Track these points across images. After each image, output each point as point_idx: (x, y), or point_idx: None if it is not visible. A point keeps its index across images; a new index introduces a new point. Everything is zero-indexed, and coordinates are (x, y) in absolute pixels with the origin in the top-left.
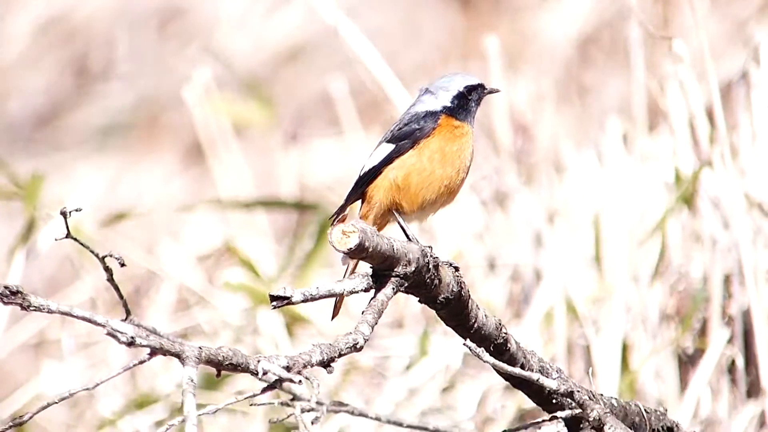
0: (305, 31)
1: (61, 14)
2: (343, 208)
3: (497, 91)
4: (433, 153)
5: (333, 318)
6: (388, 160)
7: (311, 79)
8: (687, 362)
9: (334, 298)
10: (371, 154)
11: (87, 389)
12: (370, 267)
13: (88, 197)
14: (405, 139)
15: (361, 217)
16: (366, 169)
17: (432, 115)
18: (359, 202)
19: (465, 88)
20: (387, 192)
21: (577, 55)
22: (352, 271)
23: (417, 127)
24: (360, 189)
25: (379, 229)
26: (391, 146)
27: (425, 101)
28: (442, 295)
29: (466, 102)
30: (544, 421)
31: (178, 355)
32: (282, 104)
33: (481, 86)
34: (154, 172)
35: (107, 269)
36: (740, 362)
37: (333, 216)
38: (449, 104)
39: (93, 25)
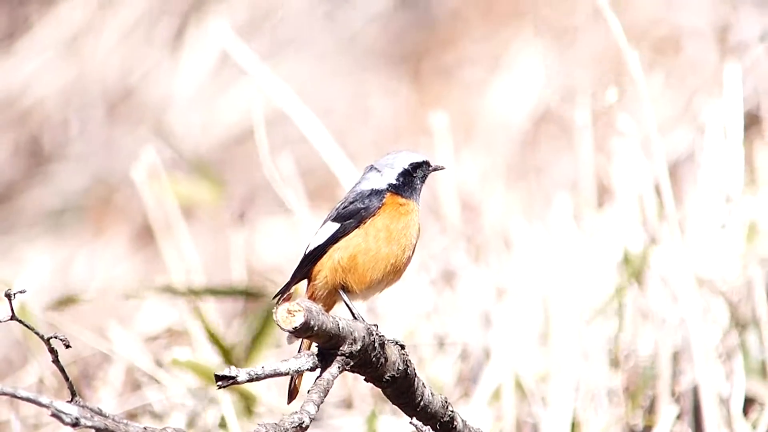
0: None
1: (13, 96)
2: (288, 287)
3: (443, 168)
4: (378, 232)
5: (289, 402)
6: (333, 240)
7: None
8: None
9: (289, 382)
10: (317, 233)
11: None
12: (316, 346)
13: (38, 279)
14: (350, 218)
15: (307, 297)
16: (311, 248)
17: (377, 193)
18: (305, 281)
19: (410, 165)
20: (332, 272)
21: (528, 132)
22: (307, 348)
23: (362, 206)
24: (305, 268)
25: (326, 309)
26: (337, 225)
27: (370, 179)
28: (389, 374)
29: (411, 179)
30: None
31: None
32: (232, 184)
33: (426, 163)
34: (105, 254)
35: (52, 351)
36: None
37: (277, 294)
38: (394, 182)
39: (45, 106)
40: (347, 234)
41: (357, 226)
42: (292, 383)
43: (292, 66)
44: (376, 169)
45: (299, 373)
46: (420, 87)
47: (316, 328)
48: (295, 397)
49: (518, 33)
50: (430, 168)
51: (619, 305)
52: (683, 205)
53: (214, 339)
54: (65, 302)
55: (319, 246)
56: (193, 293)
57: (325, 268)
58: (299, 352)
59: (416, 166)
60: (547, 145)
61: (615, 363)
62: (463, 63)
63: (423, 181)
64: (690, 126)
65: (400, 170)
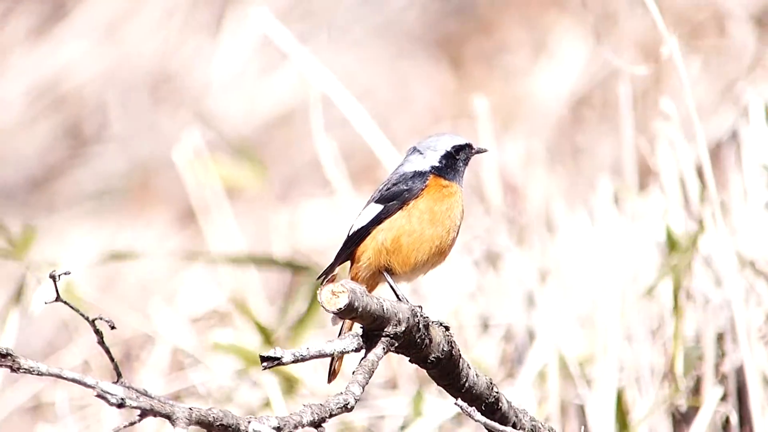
0: (297, 95)
1: (53, 80)
2: (331, 268)
3: (485, 150)
4: (422, 213)
5: (330, 381)
6: (376, 221)
7: (303, 141)
8: (681, 420)
9: (330, 362)
10: (360, 214)
11: None
12: (361, 327)
13: (81, 260)
14: (393, 199)
15: (351, 278)
16: (354, 229)
17: (420, 175)
18: (349, 262)
19: (453, 147)
20: (376, 253)
21: (569, 115)
22: (348, 330)
23: (405, 187)
24: (349, 249)
25: (369, 290)
26: (380, 207)
27: (413, 161)
28: (433, 355)
29: (454, 162)
30: None
31: (168, 416)
32: (273, 167)
33: (468, 146)
34: (147, 235)
35: (97, 332)
36: (734, 419)
37: (321, 275)
38: (437, 164)
39: (85, 90)
40: (391, 215)
41: (400, 208)
42: (333, 363)
43: (331, 51)
44: (418, 151)
45: (344, 354)
46: (460, 72)
47: (360, 310)
48: (335, 377)
49: (559, 18)
50: (473, 151)
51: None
52: (726, 186)
53: (255, 322)
54: (113, 258)
55: (362, 227)
56: (239, 261)
57: (369, 249)
58: (340, 333)
59: (459, 149)
60: (588, 128)
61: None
62: (504, 48)
63: (466, 164)
64: (732, 108)
65: (443, 152)
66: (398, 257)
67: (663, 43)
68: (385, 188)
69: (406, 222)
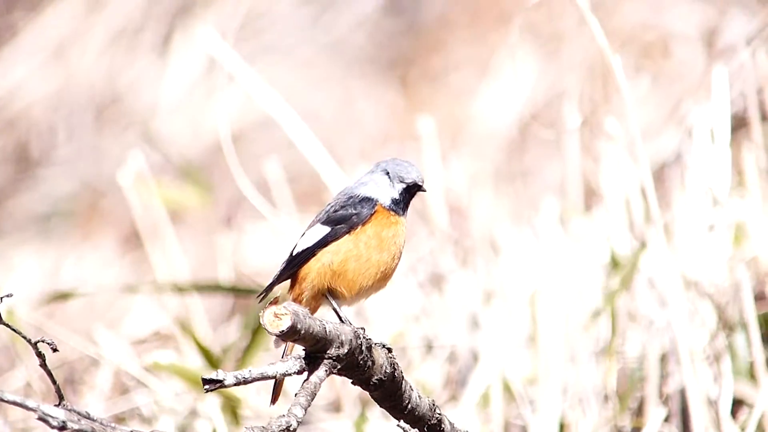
0: (244, 117)
1: (0, 102)
2: (271, 287)
3: (425, 190)
4: (369, 239)
5: (272, 403)
6: (323, 243)
7: (249, 164)
8: None
9: (273, 384)
10: (304, 234)
11: None
12: (303, 349)
13: (26, 283)
14: (341, 222)
15: (293, 299)
16: (299, 249)
17: (368, 200)
18: (289, 283)
19: (413, 183)
20: (321, 275)
21: (515, 137)
22: (290, 352)
23: (354, 211)
24: (292, 270)
25: (311, 312)
26: (327, 229)
27: (378, 183)
28: (376, 377)
29: (408, 196)
30: None
31: None
32: (219, 189)
33: (419, 186)
34: (93, 258)
35: (39, 354)
36: None
37: (261, 294)
38: (398, 196)
39: (33, 112)
40: (338, 238)
41: (348, 231)
42: (276, 385)
43: (279, 71)
44: (388, 175)
45: (286, 377)
46: (407, 92)
47: (303, 332)
48: (277, 399)
49: (505, 38)
50: (421, 189)
51: (609, 308)
52: (671, 207)
53: (197, 344)
54: (57, 298)
55: (307, 248)
56: (182, 290)
57: (313, 271)
58: (283, 355)
59: (416, 187)
60: (534, 149)
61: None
62: (451, 68)
63: (411, 199)
64: (678, 129)
65: (405, 186)
66: (344, 281)
67: (609, 63)
68: (332, 210)
69: (354, 246)
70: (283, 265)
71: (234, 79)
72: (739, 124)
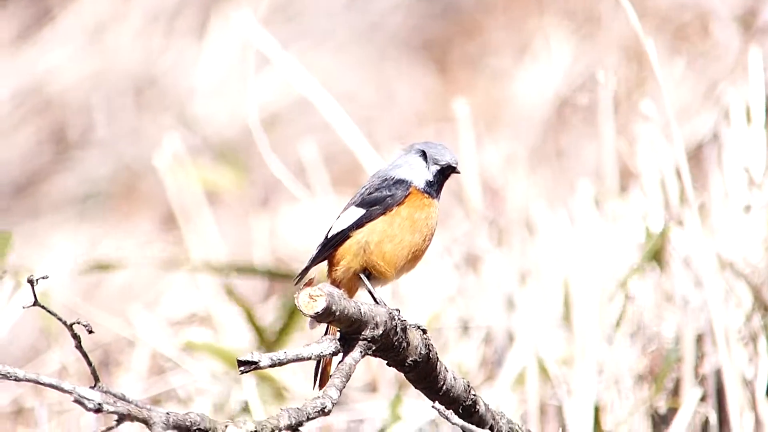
0: (281, 99)
1: (38, 84)
2: (307, 270)
3: (459, 172)
4: (403, 220)
5: (320, 389)
6: (358, 224)
7: (285, 146)
8: (660, 422)
9: (316, 368)
10: (339, 217)
11: None
12: (338, 330)
13: (63, 265)
14: (376, 204)
15: (331, 282)
16: (334, 231)
17: (402, 182)
18: (327, 265)
19: (447, 165)
20: (357, 256)
21: (553, 117)
22: (332, 334)
23: (389, 193)
24: (327, 252)
25: (348, 293)
26: (362, 210)
27: (412, 165)
28: (411, 358)
29: (442, 178)
30: None
31: (145, 421)
32: (256, 171)
33: (454, 168)
34: (130, 239)
35: (75, 336)
36: (713, 420)
37: (297, 277)
38: (432, 178)
39: (70, 94)
40: (372, 220)
41: (383, 213)
42: (319, 368)
43: (315, 55)
44: (423, 156)
45: (322, 358)
46: (444, 75)
47: (338, 313)
48: (325, 383)
49: (542, 21)
50: (455, 171)
51: (641, 288)
52: (707, 188)
53: (248, 316)
54: (95, 268)
55: (343, 230)
56: (222, 270)
57: (349, 253)
58: (325, 334)
59: (450, 169)
60: (570, 131)
61: (639, 346)
62: (488, 51)
63: (446, 180)
64: (714, 109)
65: (439, 168)
66: (379, 261)
67: (645, 44)
68: (367, 192)
69: (389, 227)
70: (319, 248)
71: (270, 62)
72: None
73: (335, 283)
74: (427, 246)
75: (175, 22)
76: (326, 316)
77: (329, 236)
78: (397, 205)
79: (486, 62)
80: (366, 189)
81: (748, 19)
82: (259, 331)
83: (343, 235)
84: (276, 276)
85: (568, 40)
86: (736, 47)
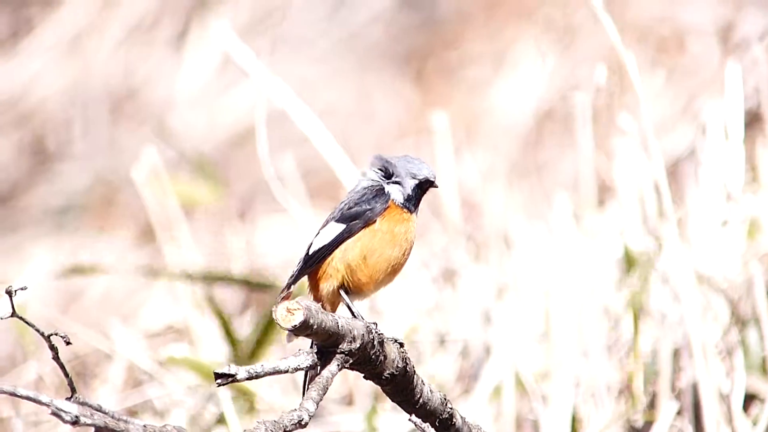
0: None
1: (16, 96)
2: (289, 286)
3: (437, 186)
4: (384, 234)
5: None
6: (339, 240)
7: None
8: None
9: (304, 382)
10: (319, 233)
11: None
12: (315, 344)
13: (42, 275)
14: (356, 218)
15: (314, 299)
16: (316, 248)
17: (381, 195)
18: (307, 280)
19: (425, 179)
20: (337, 271)
21: (531, 130)
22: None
23: (368, 207)
24: (309, 268)
25: (330, 308)
26: (342, 226)
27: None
28: (387, 371)
29: (420, 192)
30: None
31: None
32: (234, 184)
33: (431, 182)
34: (108, 252)
35: (52, 348)
36: None
37: (280, 294)
38: (411, 192)
39: (49, 105)
40: (353, 235)
41: (363, 227)
42: (306, 381)
43: (294, 66)
44: (394, 172)
45: (308, 372)
46: (423, 86)
47: (315, 327)
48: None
49: (521, 33)
50: (433, 185)
51: (618, 303)
52: (685, 202)
53: (225, 327)
54: (76, 271)
55: (323, 246)
56: (196, 279)
57: (330, 268)
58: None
59: (428, 183)
60: (548, 144)
61: (616, 360)
62: (467, 62)
63: (423, 194)
64: (692, 124)
65: (417, 182)
66: (360, 276)
67: (624, 58)
68: (346, 207)
69: (370, 241)
70: (300, 265)
71: (247, 74)
72: (753, 119)
73: (316, 298)
74: (406, 260)
75: (153, 32)
76: (304, 329)
77: (310, 253)
78: (379, 217)
79: (464, 73)
80: (345, 204)
81: (726, 34)
82: (234, 343)
83: (324, 252)
84: (253, 286)
85: (548, 52)
86: (715, 62)
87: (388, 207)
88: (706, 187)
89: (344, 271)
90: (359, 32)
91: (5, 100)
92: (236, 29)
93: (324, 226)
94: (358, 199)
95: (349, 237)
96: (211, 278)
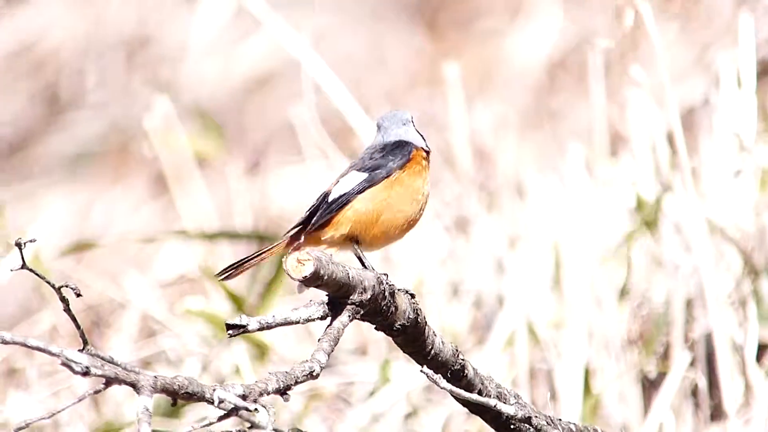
0: (272, 60)
1: (29, 44)
2: (304, 232)
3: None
4: (404, 189)
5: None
6: (358, 190)
7: (277, 107)
8: (650, 386)
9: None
10: (338, 181)
11: (42, 419)
12: (326, 294)
13: (55, 226)
14: (378, 169)
15: (322, 242)
16: (335, 195)
17: (406, 145)
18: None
19: (411, 117)
20: (351, 222)
21: (544, 80)
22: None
23: (391, 158)
24: (329, 215)
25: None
26: (363, 175)
27: (406, 131)
28: (399, 322)
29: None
30: None
31: (133, 385)
32: (247, 133)
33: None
34: (122, 201)
35: (63, 299)
36: (703, 385)
37: (292, 230)
38: (417, 133)
39: (61, 54)
40: (373, 185)
41: (386, 177)
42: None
43: (307, 15)
44: (396, 123)
45: (309, 322)
46: (436, 36)
47: (326, 278)
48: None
49: None
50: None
51: (631, 253)
52: (697, 153)
53: (224, 289)
54: (81, 247)
55: (343, 195)
56: (208, 237)
57: (345, 218)
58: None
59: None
60: (562, 94)
61: (629, 310)
62: (480, 12)
63: None
64: (705, 74)
65: (412, 123)
66: (374, 229)
67: (637, 8)
68: (368, 156)
69: (388, 195)
70: (320, 212)
71: (261, 23)
72: (765, 69)
73: (327, 244)
74: (421, 216)
75: None
76: (314, 280)
77: (330, 200)
78: (400, 170)
79: (477, 23)
80: (369, 153)
81: None
82: (236, 301)
83: (343, 201)
84: (262, 238)
85: (562, 1)
86: (728, 11)
87: (411, 158)
88: (719, 137)
89: (359, 223)
90: None
91: (18, 50)
92: None
93: (344, 175)
94: (381, 148)
95: (369, 188)
96: (220, 235)
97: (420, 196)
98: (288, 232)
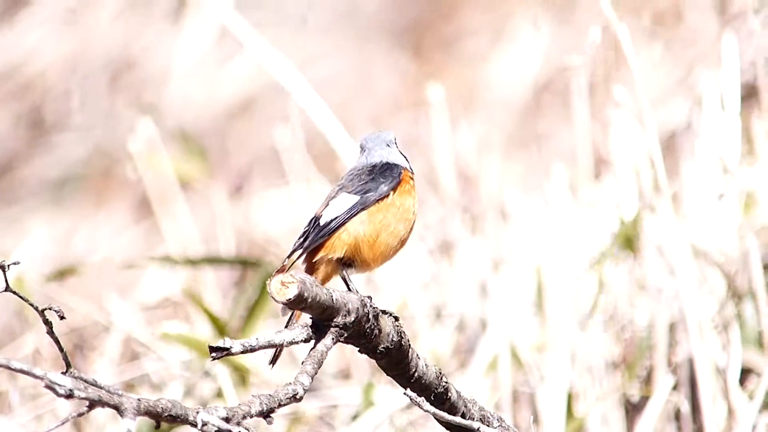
0: (256, 84)
1: (14, 67)
2: (300, 256)
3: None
4: (397, 209)
5: (272, 365)
6: (352, 213)
7: (261, 131)
8: (633, 410)
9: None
10: (328, 204)
11: None
12: (310, 317)
13: (39, 250)
14: (370, 191)
15: (306, 268)
16: (328, 218)
17: (395, 167)
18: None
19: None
20: (347, 245)
21: (528, 103)
22: (296, 320)
23: (382, 180)
24: (321, 239)
25: (324, 282)
26: (355, 198)
27: (382, 153)
28: (382, 345)
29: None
30: None
31: (116, 407)
32: (231, 156)
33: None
34: (106, 224)
35: (47, 322)
36: (686, 409)
37: (284, 265)
38: (402, 155)
39: (46, 77)
40: (366, 208)
41: (378, 200)
42: (277, 349)
43: (291, 39)
44: (381, 144)
45: (293, 345)
46: (421, 59)
47: (309, 300)
48: (276, 361)
49: (519, 5)
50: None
51: (614, 276)
52: (680, 175)
53: (207, 313)
54: (64, 273)
55: (336, 217)
56: (191, 263)
57: (339, 241)
58: (288, 323)
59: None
60: (545, 116)
61: (612, 334)
62: (464, 35)
63: None
64: (688, 96)
65: (395, 144)
66: (371, 250)
67: (620, 30)
68: (357, 179)
69: (383, 217)
70: (311, 236)
71: (245, 47)
72: (749, 92)
73: (313, 270)
74: (410, 235)
75: (151, 4)
76: (298, 302)
77: (321, 224)
78: (393, 191)
79: (462, 46)
80: (356, 175)
81: (723, 6)
82: (218, 326)
83: (337, 223)
84: (248, 265)
85: (545, 23)
86: (712, 33)
87: (401, 179)
88: (702, 159)
89: (353, 246)
90: (357, 5)
91: (3, 72)
92: (234, 1)
93: (333, 197)
94: (369, 170)
95: (363, 210)
96: (203, 262)
97: (411, 215)
98: (286, 259)
